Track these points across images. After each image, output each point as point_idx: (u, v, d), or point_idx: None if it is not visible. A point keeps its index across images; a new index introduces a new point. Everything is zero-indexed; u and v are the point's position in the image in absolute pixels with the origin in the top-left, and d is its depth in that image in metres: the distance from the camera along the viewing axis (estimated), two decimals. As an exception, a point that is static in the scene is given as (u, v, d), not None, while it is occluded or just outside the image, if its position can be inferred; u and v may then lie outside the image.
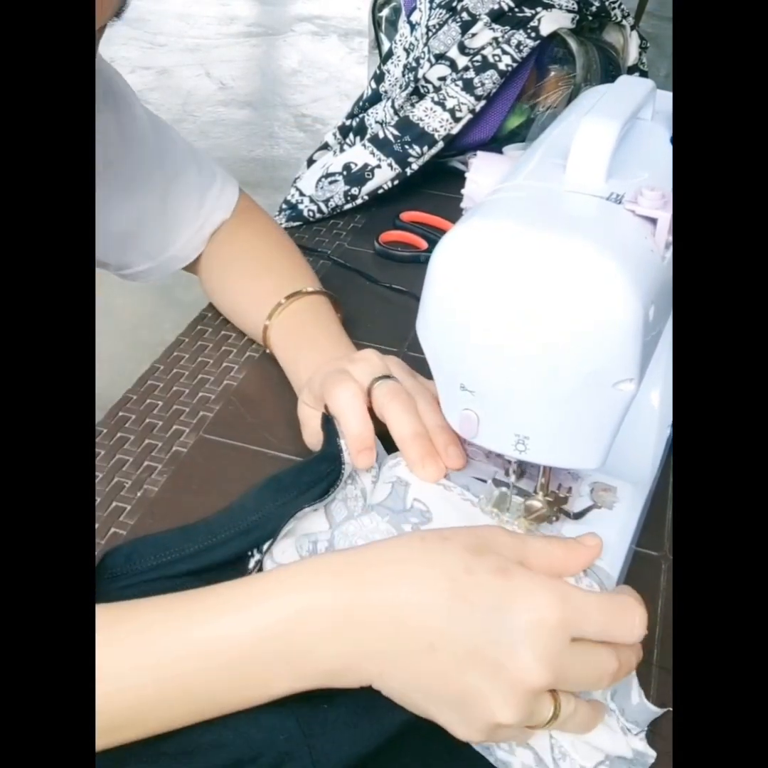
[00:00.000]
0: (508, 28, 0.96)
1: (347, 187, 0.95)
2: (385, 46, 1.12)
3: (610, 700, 0.46)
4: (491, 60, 0.95)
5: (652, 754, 0.46)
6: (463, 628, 0.40)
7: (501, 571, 0.41)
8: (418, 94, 0.99)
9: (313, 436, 0.60)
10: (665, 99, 0.55)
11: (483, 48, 0.96)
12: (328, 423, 0.56)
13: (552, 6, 0.98)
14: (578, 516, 0.53)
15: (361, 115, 1.04)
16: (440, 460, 0.54)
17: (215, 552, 0.51)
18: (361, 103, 1.06)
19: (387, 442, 0.56)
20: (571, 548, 0.44)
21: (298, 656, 0.41)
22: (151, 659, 0.41)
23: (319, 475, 0.55)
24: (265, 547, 0.52)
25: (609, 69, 1.03)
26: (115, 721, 0.40)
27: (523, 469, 0.52)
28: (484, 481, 0.54)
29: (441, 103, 0.95)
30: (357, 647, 0.41)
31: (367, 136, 0.99)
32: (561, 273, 0.41)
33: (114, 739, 0.41)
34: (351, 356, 0.60)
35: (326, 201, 0.96)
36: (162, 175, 0.73)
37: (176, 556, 0.51)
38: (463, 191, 0.54)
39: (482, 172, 0.52)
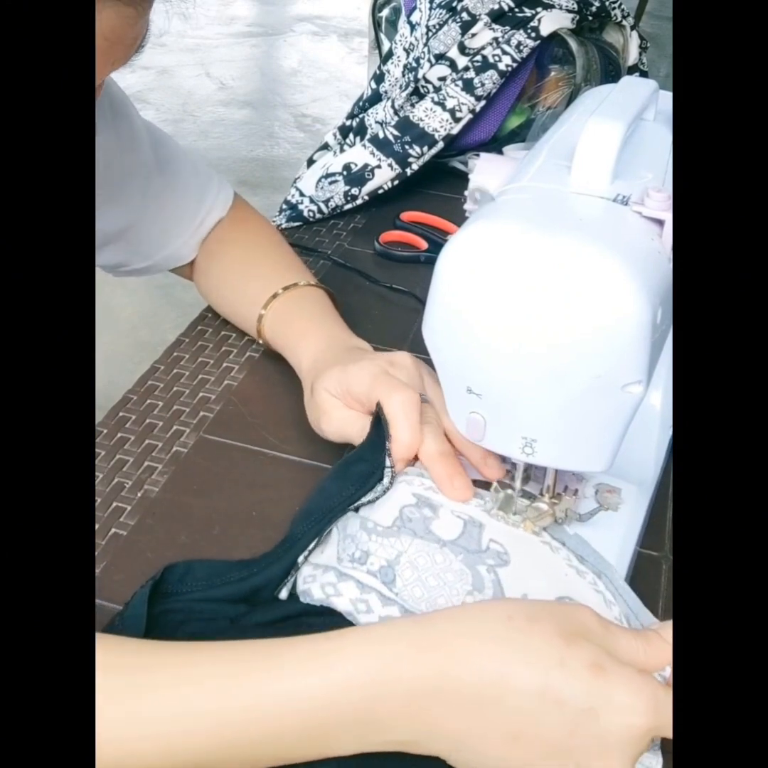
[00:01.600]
0: (508, 28, 0.96)
1: (347, 188, 0.95)
2: (385, 46, 1.12)
3: None
4: (491, 60, 0.95)
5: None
6: (552, 725, 0.39)
7: (595, 667, 0.39)
8: (418, 94, 0.99)
9: (334, 426, 0.59)
10: (667, 99, 0.55)
11: (483, 48, 0.96)
12: (379, 425, 0.55)
13: (552, 6, 0.98)
14: (584, 518, 0.53)
15: (361, 116, 1.04)
16: (468, 479, 0.53)
17: (258, 577, 0.51)
18: (361, 104, 1.06)
19: None
20: (651, 643, 0.42)
21: (370, 725, 0.40)
22: (221, 705, 0.40)
23: (362, 478, 0.54)
24: (305, 553, 0.51)
25: (609, 69, 1.03)
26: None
27: (528, 474, 0.52)
28: (490, 484, 0.54)
29: (441, 104, 0.95)
30: (432, 726, 0.40)
31: (367, 136, 0.99)
32: (568, 275, 0.41)
33: None
34: (389, 358, 0.59)
35: (326, 201, 0.95)
36: (159, 177, 0.73)
37: (225, 580, 0.51)
38: (466, 193, 0.53)
39: (485, 173, 0.52)
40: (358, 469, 0.55)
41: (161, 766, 0.39)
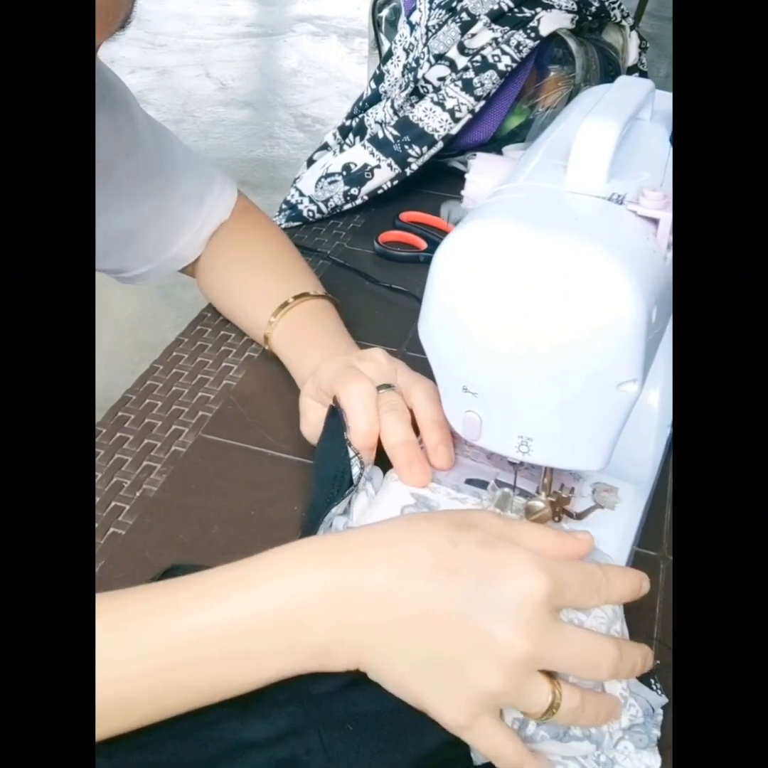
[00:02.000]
0: (507, 28, 0.96)
1: (347, 188, 0.95)
2: (385, 46, 1.12)
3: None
4: (491, 60, 0.95)
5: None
6: (452, 595, 0.41)
7: (486, 543, 0.42)
8: (417, 94, 0.99)
9: (310, 428, 0.61)
10: (664, 99, 0.55)
11: (482, 48, 0.96)
12: (334, 416, 0.56)
13: (551, 6, 0.98)
14: (581, 516, 0.53)
15: (360, 116, 1.04)
16: (427, 466, 0.54)
17: None
18: (360, 104, 1.06)
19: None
20: (562, 537, 0.44)
21: (290, 632, 0.42)
22: (144, 648, 0.41)
23: (334, 481, 0.55)
24: None
25: (608, 69, 1.03)
26: (108, 711, 0.41)
27: (516, 469, 0.52)
28: (486, 483, 0.54)
29: (440, 104, 0.95)
30: (348, 622, 0.42)
31: (367, 136, 0.99)
32: (563, 274, 0.41)
33: (109, 728, 0.41)
34: (360, 354, 0.61)
35: (326, 201, 0.96)
36: (161, 178, 0.73)
37: None
38: (463, 192, 0.54)
39: (482, 173, 0.52)
40: (328, 471, 0.56)
41: (108, 710, 0.40)
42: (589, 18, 1.02)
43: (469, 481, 0.55)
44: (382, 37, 1.16)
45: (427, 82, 0.98)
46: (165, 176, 0.73)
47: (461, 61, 0.96)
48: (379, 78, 1.04)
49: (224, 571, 0.44)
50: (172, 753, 0.42)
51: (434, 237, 0.91)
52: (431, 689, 0.42)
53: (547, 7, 0.97)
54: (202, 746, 0.42)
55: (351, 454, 0.55)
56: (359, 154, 0.96)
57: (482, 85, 0.95)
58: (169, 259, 0.76)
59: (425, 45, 0.99)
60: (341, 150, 1.03)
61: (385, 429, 0.56)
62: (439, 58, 0.98)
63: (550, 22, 0.97)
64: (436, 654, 0.41)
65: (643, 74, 1.09)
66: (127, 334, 2.08)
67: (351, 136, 1.04)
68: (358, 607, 0.42)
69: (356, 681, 0.43)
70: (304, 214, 0.96)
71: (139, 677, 0.41)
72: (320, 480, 0.56)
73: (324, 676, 0.43)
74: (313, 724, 0.43)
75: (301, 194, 0.97)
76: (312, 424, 0.60)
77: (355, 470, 0.54)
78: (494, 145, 1.01)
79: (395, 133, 0.95)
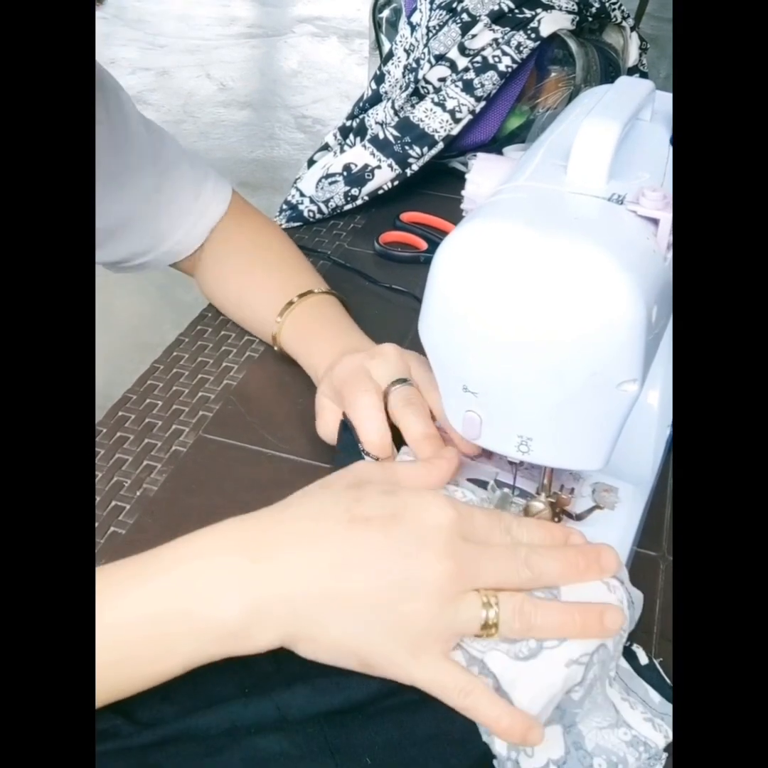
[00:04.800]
0: (508, 29, 0.96)
1: (347, 188, 0.95)
2: (386, 47, 1.12)
3: (627, 693, 0.46)
4: (491, 61, 0.95)
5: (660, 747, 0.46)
6: (365, 542, 0.42)
7: (387, 491, 0.45)
8: (418, 95, 0.99)
9: (326, 428, 0.61)
10: (664, 99, 0.55)
11: (483, 49, 0.96)
12: (346, 430, 0.56)
13: (552, 7, 0.98)
14: (580, 517, 0.53)
15: (361, 116, 1.04)
16: (450, 462, 0.54)
17: None
18: (361, 104, 1.06)
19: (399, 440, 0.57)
20: (431, 465, 0.49)
21: (202, 612, 0.41)
22: None
23: None
24: None
25: (609, 70, 1.03)
26: None
27: (516, 468, 0.52)
28: (486, 482, 0.54)
29: (441, 104, 0.95)
30: (262, 596, 0.41)
31: (368, 136, 0.99)
32: (563, 274, 0.41)
33: None
34: (372, 351, 0.61)
35: (326, 201, 0.96)
36: (154, 170, 0.73)
37: None
38: (463, 193, 0.54)
39: (482, 173, 0.52)
40: None
41: None
42: (590, 19, 1.02)
43: (468, 481, 0.55)
44: (383, 37, 1.16)
45: (427, 82, 0.98)
46: (158, 168, 0.73)
47: (462, 62, 0.96)
48: (379, 79, 1.04)
49: (137, 560, 0.44)
50: (185, 761, 0.41)
51: (435, 237, 0.91)
52: (368, 640, 0.42)
53: (548, 7, 0.98)
54: (216, 754, 0.41)
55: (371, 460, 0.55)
56: (360, 154, 0.96)
57: (483, 85, 0.95)
58: (166, 251, 0.76)
59: (426, 46, 0.99)
60: (342, 150, 1.03)
61: (404, 425, 0.56)
62: (440, 58, 0.98)
63: (551, 22, 0.97)
64: (363, 602, 0.41)
65: (644, 75, 1.09)
66: (128, 334, 2.08)
67: (351, 136, 1.04)
68: (272, 582, 0.42)
69: (380, 699, 0.43)
70: (305, 214, 0.96)
71: None
72: None
73: (347, 684, 0.43)
74: (331, 753, 0.42)
75: (302, 194, 0.97)
76: (328, 424, 0.60)
77: None
78: (495, 145, 1.01)
79: (396, 133, 0.95)
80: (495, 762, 0.43)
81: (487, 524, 0.45)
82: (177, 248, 0.76)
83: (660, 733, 0.45)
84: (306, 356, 0.68)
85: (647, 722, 0.46)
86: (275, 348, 0.71)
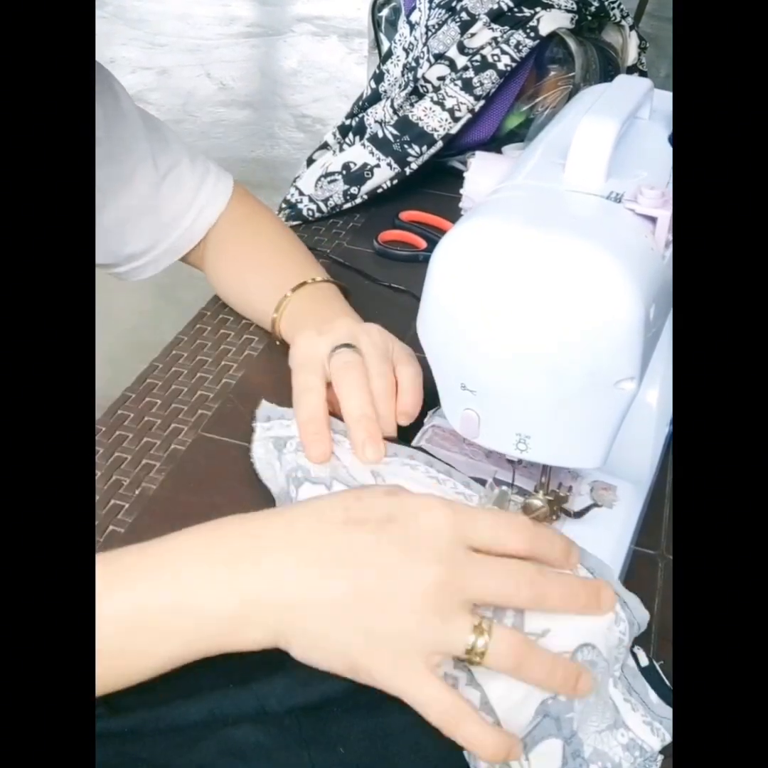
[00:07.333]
0: (507, 28, 0.96)
1: (346, 187, 0.95)
2: (385, 46, 1.12)
3: (629, 694, 0.46)
4: (490, 60, 0.95)
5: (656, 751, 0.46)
6: (358, 543, 0.41)
7: (389, 492, 0.44)
8: (417, 93, 0.99)
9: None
10: (662, 98, 0.55)
11: (482, 48, 0.96)
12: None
13: (551, 6, 0.98)
14: (578, 515, 0.53)
15: (360, 115, 1.04)
16: (380, 446, 0.54)
17: None
18: (360, 103, 1.06)
19: None
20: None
21: (194, 612, 0.41)
22: None
23: None
24: None
25: (608, 69, 1.03)
26: None
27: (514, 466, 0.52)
28: (484, 480, 0.54)
29: (440, 103, 0.95)
30: (253, 600, 0.41)
31: (367, 135, 0.99)
32: (561, 272, 0.41)
33: None
34: (322, 328, 0.61)
35: (326, 200, 0.96)
36: (154, 169, 0.73)
37: None
38: (462, 191, 0.54)
39: (481, 172, 0.52)
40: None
41: None
42: (589, 18, 1.02)
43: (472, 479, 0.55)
44: (382, 36, 1.16)
45: (426, 81, 0.98)
46: (157, 167, 0.73)
47: (461, 61, 0.96)
48: (378, 77, 1.04)
49: (134, 550, 0.43)
50: (162, 751, 0.41)
51: (434, 236, 0.91)
52: (352, 646, 0.40)
53: (547, 6, 0.97)
54: (193, 745, 0.41)
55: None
56: (359, 153, 0.96)
57: (482, 84, 0.95)
58: (164, 251, 0.76)
59: (425, 44, 0.99)
60: (341, 149, 1.03)
61: (343, 399, 0.56)
62: (439, 57, 0.98)
63: (550, 21, 0.97)
64: (347, 606, 0.40)
65: (643, 74, 1.09)
66: (127, 333, 2.08)
67: (351, 135, 1.04)
68: (261, 582, 0.41)
69: (357, 693, 0.42)
70: (304, 213, 0.96)
71: None
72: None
73: (326, 675, 0.42)
74: (304, 744, 0.42)
75: (301, 193, 0.97)
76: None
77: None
78: (494, 144, 1.01)
79: (395, 132, 0.95)
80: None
81: (493, 532, 0.43)
82: (173, 248, 0.76)
83: (657, 737, 0.45)
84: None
85: (646, 726, 0.46)
86: (277, 342, 0.71)
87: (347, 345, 0.58)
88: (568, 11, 0.99)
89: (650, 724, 0.46)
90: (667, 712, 0.46)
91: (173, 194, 0.74)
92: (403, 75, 1.00)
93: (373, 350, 0.59)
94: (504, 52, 0.95)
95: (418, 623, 0.40)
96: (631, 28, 1.08)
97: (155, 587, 0.41)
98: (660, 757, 0.45)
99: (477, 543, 0.42)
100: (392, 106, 0.99)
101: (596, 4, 1.02)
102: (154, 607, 0.41)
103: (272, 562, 0.42)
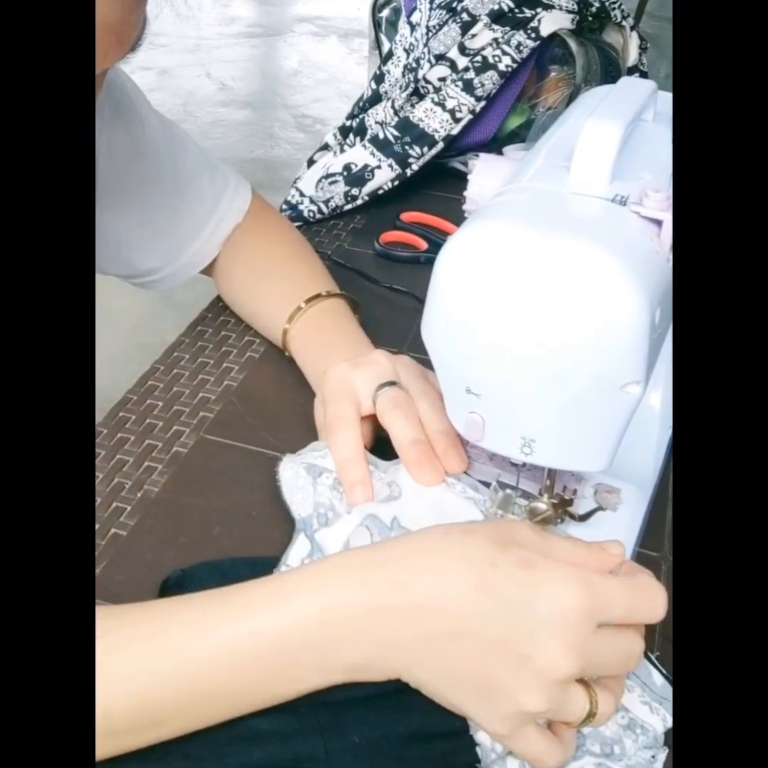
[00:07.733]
0: (508, 28, 0.96)
1: (347, 188, 0.95)
2: (386, 46, 1.12)
3: (627, 677, 0.47)
4: (491, 60, 0.95)
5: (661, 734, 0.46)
6: (488, 619, 0.41)
7: (525, 563, 0.41)
8: (418, 94, 0.99)
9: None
10: (666, 100, 0.55)
11: (483, 48, 0.96)
12: None
13: (552, 7, 0.98)
14: (583, 518, 0.53)
15: (361, 116, 1.04)
16: (438, 465, 0.54)
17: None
18: (361, 104, 1.06)
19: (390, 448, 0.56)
20: (593, 551, 0.44)
21: (325, 649, 0.41)
22: (178, 659, 0.41)
23: None
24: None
25: (609, 70, 1.03)
26: (140, 722, 0.41)
27: (519, 470, 0.52)
28: (488, 483, 0.54)
29: (441, 104, 0.95)
30: (382, 640, 0.42)
31: (368, 136, 0.99)
32: (567, 275, 0.41)
33: (142, 739, 0.41)
34: (356, 360, 0.60)
35: (326, 201, 0.96)
36: (174, 184, 0.72)
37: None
38: (465, 193, 0.53)
39: (484, 174, 0.52)
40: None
41: (141, 722, 0.41)
42: (590, 18, 1.02)
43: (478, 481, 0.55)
44: (383, 37, 1.16)
45: (427, 82, 0.98)
46: (178, 181, 0.72)
47: (462, 62, 0.96)
48: (379, 78, 1.04)
49: (255, 586, 0.43)
50: (182, 736, 0.42)
51: (435, 237, 0.91)
52: (471, 704, 0.42)
53: (548, 7, 0.97)
54: (206, 730, 0.42)
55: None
56: (360, 154, 0.96)
57: (483, 85, 0.95)
58: (183, 265, 0.75)
59: (426, 45, 0.99)
60: (342, 150, 1.03)
61: (393, 429, 0.55)
62: (440, 58, 0.98)
63: (551, 22, 0.97)
64: (473, 674, 0.41)
65: (644, 75, 1.09)
66: (128, 335, 2.08)
67: (351, 136, 1.04)
68: (391, 627, 0.41)
69: (377, 697, 0.43)
70: (305, 214, 0.96)
71: (171, 689, 0.41)
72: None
73: (345, 686, 0.43)
74: (319, 732, 0.42)
75: (302, 194, 0.97)
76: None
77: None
78: (495, 145, 1.01)
79: (396, 133, 0.95)
80: (478, 749, 0.44)
81: (625, 605, 0.42)
82: (193, 261, 0.76)
83: (657, 717, 0.46)
84: (311, 367, 0.67)
85: (644, 705, 0.46)
86: (287, 354, 0.70)
87: (391, 382, 0.58)
88: (569, 12, 0.99)
89: (648, 704, 0.46)
90: (669, 692, 0.47)
91: (192, 210, 0.74)
92: (403, 76, 1.00)
93: (414, 385, 0.59)
94: (505, 53, 0.95)
95: (541, 708, 0.40)
96: (632, 28, 1.08)
97: (294, 623, 0.42)
98: (665, 750, 0.45)
99: (606, 621, 0.42)
100: (393, 107, 0.99)
101: (597, 4, 1.02)
102: (293, 644, 0.42)
103: (400, 621, 0.42)
